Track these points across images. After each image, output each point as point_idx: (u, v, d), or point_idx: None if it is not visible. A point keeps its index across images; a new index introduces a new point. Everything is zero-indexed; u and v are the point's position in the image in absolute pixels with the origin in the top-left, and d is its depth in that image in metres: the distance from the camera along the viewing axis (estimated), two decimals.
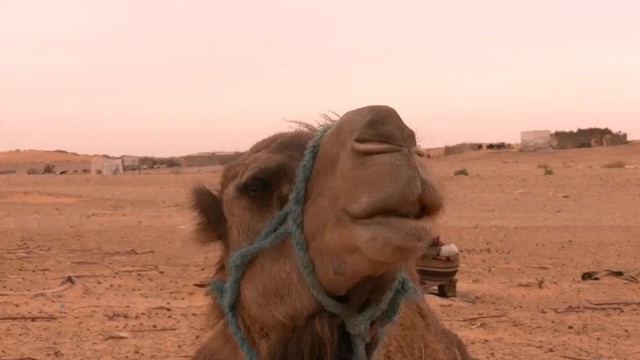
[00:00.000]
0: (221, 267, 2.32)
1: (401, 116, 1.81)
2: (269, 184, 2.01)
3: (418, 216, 1.74)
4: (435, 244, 12.13)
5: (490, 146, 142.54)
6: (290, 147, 2.01)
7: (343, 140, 1.81)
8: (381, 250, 1.71)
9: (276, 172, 2.01)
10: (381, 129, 1.75)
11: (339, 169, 1.80)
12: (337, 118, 2.48)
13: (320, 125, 2.15)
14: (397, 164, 1.72)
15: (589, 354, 8.89)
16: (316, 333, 1.89)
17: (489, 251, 18.42)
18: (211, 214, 2.21)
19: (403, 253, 1.72)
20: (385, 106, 1.80)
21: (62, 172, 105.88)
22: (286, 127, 2.21)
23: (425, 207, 1.76)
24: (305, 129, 2.28)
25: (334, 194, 1.81)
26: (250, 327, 2.06)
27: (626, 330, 10.03)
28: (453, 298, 12.17)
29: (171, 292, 12.76)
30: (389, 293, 1.90)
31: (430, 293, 11.84)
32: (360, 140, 1.76)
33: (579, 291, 13.03)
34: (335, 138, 1.84)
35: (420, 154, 1.78)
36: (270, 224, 1.96)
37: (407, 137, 1.76)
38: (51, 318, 10.66)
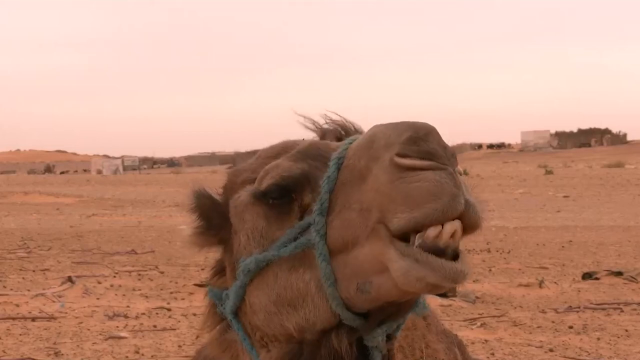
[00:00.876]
0: (218, 272, 2.30)
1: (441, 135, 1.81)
2: (291, 192, 2.00)
3: (455, 254, 1.75)
4: None
5: (490, 146, 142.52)
6: (311, 156, 2.00)
7: (376, 154, 1.79)
8: (413, 284, 1.71)
9: (300, 180, 1.99)
10: (424, 146, 1.74)
11: (371, 182, 1.79)
12: (337, 118, 2.48)
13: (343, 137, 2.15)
14: (442, 181, 1.72)
15: (589, 354, 8.88)
16: (333, 347, 1.88)
17: (489, 251, 18.41)
18: (212, 218, 2.20)
19: (435, 289, 1.73)
20: (426, 123, 1.80)
21: (62, 172, 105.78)
22: (295, 122, 2.20)
23: (465, 227, 1.76)
24: (311, 126, 2.28)
25: (363, 207, 1.79)
26: (250, 334, 2.05)
27: (626, 330, 10.03)
28: (453, 298, 12.16)
29: (171, 292, 12.76)
30: (409, 313, 1.91)
31: None
32: (401, 155, 1.75)
33: (579, 291, 13.02)
34: (365, 151, 1.83)
35: (460, 174, 1.79)
36: (291, 232, 1.94)
37: (450, 156, 1.77)
38: (51, 318, 10.66)
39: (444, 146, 1.76)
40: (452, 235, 1.74)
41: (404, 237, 1.76)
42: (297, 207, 1.98)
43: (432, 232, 1.72)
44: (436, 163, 1.73)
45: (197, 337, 9.51)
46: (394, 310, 1.84)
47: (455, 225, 1.74)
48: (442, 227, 1.73)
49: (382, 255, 1.74)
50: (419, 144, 1.74)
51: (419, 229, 1.72)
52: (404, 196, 1.72)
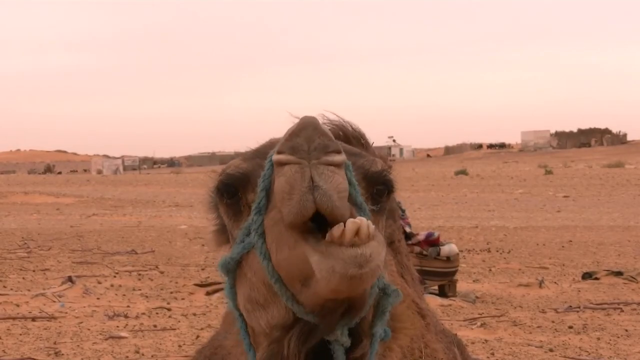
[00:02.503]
0: None
1: (322, 127, 1.81)
2: (237, 191, 2.03)
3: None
4: (436, 243, 12.15)
5: (490, 146, 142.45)
6: (262, 154, 2.01)
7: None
8: (328, 277, 1.71)
9: (241, 180, 2.03)
10: (292, 142, 1.77)
11: None
12: (334, 118, 2.49)
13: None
14: (294, 177, 1.74)
15: (589, 354, 8.89)
16: (290, 344, 1.88)
17: (489, 251, 18.42)
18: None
19: (353, 281, 1.71)
20: (307, 118, 1.82)
21: (59, 173, 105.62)
22: (291, 124, 2.20)
23: (326, 217, 1.75)
24: None
25: (276, 204, 1.82)
26: (250, 333, 2.06)
27: (626, 330, 10.03)
28: (453, 298, 12.16)
29: (171, 292, 12.77)
30: (368, 304, 1.88)
31: (430, 293, 11.83)
32: (278, 152, 1.79)
33: (579, 291, 13.03)
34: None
35: (333, 164, 1.77)
36: (240, 234, 1.97)
37: (314, 149, 1.77)
38: (51, 318, 10.67)
39: (312, 139, 1.77)
40: (357, 233, 1.73)
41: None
42: (245, 206, 2.00)
43: (335, 232, 1.73)
44: (294, 157, 1.76)
45: (197, 337, 9.55)
46: (346, 303, 1.83)
47: (357, 222, 1.73)
48: (344, 226, 1.73)
49: (302, 252, 1.76)
50: (291, 140, 1.78)
51: (294, 223, 1.75)
52: (275, 193, 1.79)
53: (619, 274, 14.35)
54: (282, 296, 1.85)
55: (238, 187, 2.04)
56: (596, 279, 14.13)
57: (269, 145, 2.04)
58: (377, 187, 2.08)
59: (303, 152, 1.77)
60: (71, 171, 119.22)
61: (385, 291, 1.94)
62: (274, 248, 1.84)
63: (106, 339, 9.47)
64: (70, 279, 13.32)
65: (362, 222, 1.74)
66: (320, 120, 2.37)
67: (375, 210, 2.04)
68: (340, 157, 1.79)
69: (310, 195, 1.73)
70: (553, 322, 10.55)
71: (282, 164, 1.77)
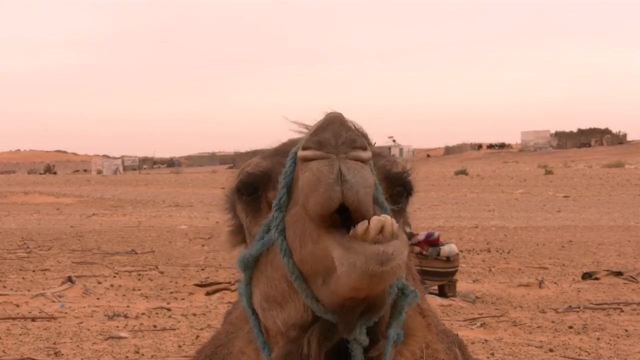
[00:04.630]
0: None
1: (348, 123, 1.81)
2: (258, 189, 2.03)
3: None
4: (435, 243, 12.15)
5: (490, 146, 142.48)
6: (282, 153, 2.01)
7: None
8: (349, 272, 1.71)
9: (262, 178, 2.02)
10: (319, 137, 1.77)
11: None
12: None
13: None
14: (321, 170, 1.74)
15: (589, 354, 8.89)
16: (309, 343, 1.87)
17: (489, 251, 18.42)
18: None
19: (372, 279, 1.71)
20: (333, 113, 1.82)
21: (54, 173, 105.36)
22: (287, 127, 2.20)
23: (351, 211, 1.74)
24: (306, 130, 2.28)
25: (299, 199, 1.82)
26: (263, 332, 2.05)
27: (626, 330, 10.03)
28: (453, 298, 12.16)
29: (171, 292, 12.77)
30: (387, 303, 1.88)
31: (431, 293, 11.83)
32: (304, 148, 1.79)
33: (579, 291, 13.03)
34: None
35: (360, 159, 1.77)
36: (260, 230, 1.96)
37: (341, 143, 1.77)
38: (51, 318, 10.67)
39: (339, 134, 1.77)
40: (381, 231, 1.73)
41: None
42: (265, 204, 2.00)
43: (359, 228, 1.73)
44: (321, 152, 1.75)
45: (197, 337, 9.55)
46: (365, 302, 1.83)
47: (382, 220, 1.73)
48: (369, 223, 1.73)
49: (326, 246, 1.75)
50: (317, 135, 1.78)
51: (320, 214, 1.74)
52: (300, 187, 1.78)
53: (619, 274, 14.35)
54: (301, 293, 1.84)
55: (258, 185, 2.03)
56: (596, 279, 14.13)
57: (290, 144, 2.04)
58: (397, 188, 2.08)
59: (330, 146, 1.77)
60: (74, 171, 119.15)
61: (403, 291, 1.94)
62: (297, 244, 1.83)
63: (106, 339, 9.46)
64: (70, 279, 13.32)
65: (387, 219, 1.74)
66: None
67: (396, 210, 2.04)
68: (367, 154, 1.79)
69: (338, 187, 1.73)
70: (553, 322, 10.55)
71: (308, 159, 1.77)
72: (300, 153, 1.79)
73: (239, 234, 2.17)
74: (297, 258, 1.83)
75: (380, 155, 2.13)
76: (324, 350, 1.87)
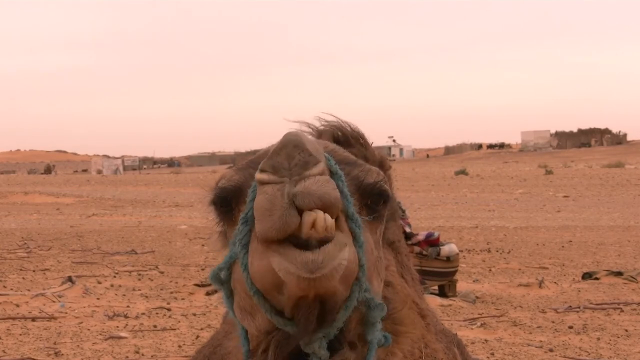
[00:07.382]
0: None
1: (304, 144, 1.81)
2: (230, 202, 2.07)
3: (322, 242, 1.76)
4: (435, 244, 12.15)
5: (490, 146, 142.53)
6: (255, 164, 1.99)
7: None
8: (287, 278, 1.75)
9: (234, 191, 2.06)
10: (273, 160, 1.80)
11: None
12: (332, 119, 2.48)
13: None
14: (274, 195, 1.76)
15: (589, 354, 8.89)
16: (267, 353, 1.91)
17: (489, 251, 18.43)
18: None
19: (309, 282, 1.74)
20: (289, 134, 1.83)
21: (50, 173, 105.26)
22: (287, 128, 2.21)
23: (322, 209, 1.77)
24: (307, 129, 2.28)
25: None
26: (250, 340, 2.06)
27: (626, 330, 10.03)
28: (453, 298, 12.17)
29: (171, 292, 12.77)
30: (343, 313, 1.88)
31: (431, 293, 11.84)
32: (261, 170, 1.82)
33: (579, 291, 13.03)
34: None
35: (320, 174, 1.79)
36: (230, 243, 1.98)
37: (294, 165, 1.79)
38: (51, 318, 10.67)
39: (292, 156, 1.79)
40: (313, 225, 1.75)
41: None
42: (238, 216, 2.01)
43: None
44: (274, 177, 1.78)
45: (197, 337, 9.55)
46: (319, 308, 1.83)
47: (313, 215, 1.75)
48: (301, 219, 1.76)
49: (269, 261, 1.78)
50: (272, 159, 1.81)
51: (271, 238, 1.77)
52: (255, 211, 1.81)
53: (619, 274, 14.35)
54: (261, 307, 1.87)
55: (231, 199, 2.07)
56: (596, 279, 14.13)
57: (263, 155, 2.03)
58: (371, 197, 2.08)
59: (284, 170, 1.79)
60: (74, 171, 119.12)
61: (369, 305, 1.94)
62: (250, 260, 1.86)
63: (106, 339, 9.47)
64: (70, 279, 13.32)
65: (319, 214, 1.76)
66: (317, 122, 2.37)
67: (370, 219, 2.04)
68: (317, 168, 1.80)
69: (293, 210, 1.76)
70: (553, 322, 10.55)
71: (264, 183, 1.80)
72: (257, 176, 1.82)
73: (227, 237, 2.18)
74: (251, 274, 1.86)
75: (355, 164, 2.11)
76: (281, 357, 1.90)
